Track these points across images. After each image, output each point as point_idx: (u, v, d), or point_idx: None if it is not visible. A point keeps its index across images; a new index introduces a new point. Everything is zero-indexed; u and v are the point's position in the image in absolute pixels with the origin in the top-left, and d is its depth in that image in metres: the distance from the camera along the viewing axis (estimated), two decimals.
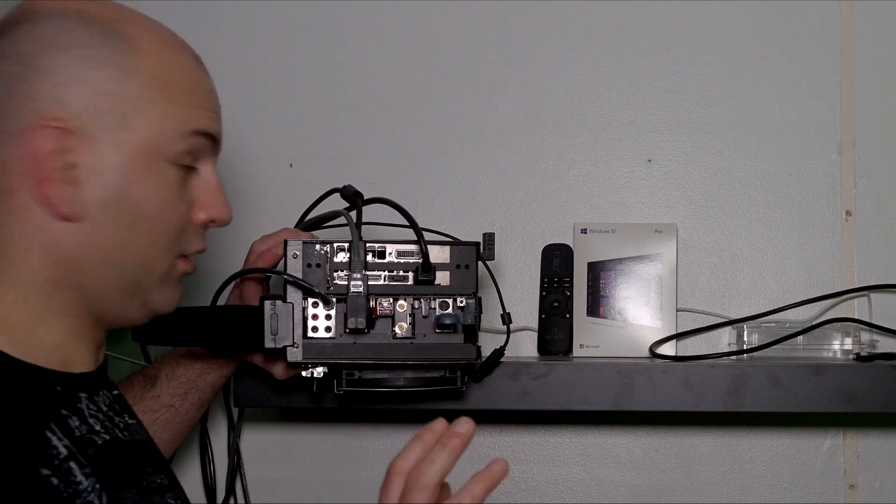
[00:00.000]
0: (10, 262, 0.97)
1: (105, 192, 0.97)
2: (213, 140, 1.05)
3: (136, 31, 1.00)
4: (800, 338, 1.48)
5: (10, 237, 0.97)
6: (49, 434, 0.93)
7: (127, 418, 1.07)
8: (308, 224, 1.36)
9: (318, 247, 1.19)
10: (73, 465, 0.93)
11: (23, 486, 0.89)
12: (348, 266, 1.19)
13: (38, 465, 0.91)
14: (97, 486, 0.93)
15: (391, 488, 0.99)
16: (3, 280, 0.97)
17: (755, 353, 1.46)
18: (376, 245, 1.21)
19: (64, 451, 0.93)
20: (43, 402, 0.95)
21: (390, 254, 1.21)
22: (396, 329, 1.21)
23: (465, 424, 1.01)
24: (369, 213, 1.30)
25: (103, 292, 1.00)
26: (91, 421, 0.98)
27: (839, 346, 1.50)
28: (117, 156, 0.97)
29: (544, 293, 1.55)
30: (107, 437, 0.98)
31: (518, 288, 1.60)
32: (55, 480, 0.91)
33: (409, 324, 1.21)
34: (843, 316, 1.54)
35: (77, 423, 0.97)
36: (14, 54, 0.96)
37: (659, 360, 1.44)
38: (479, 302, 1.24)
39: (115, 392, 1.08)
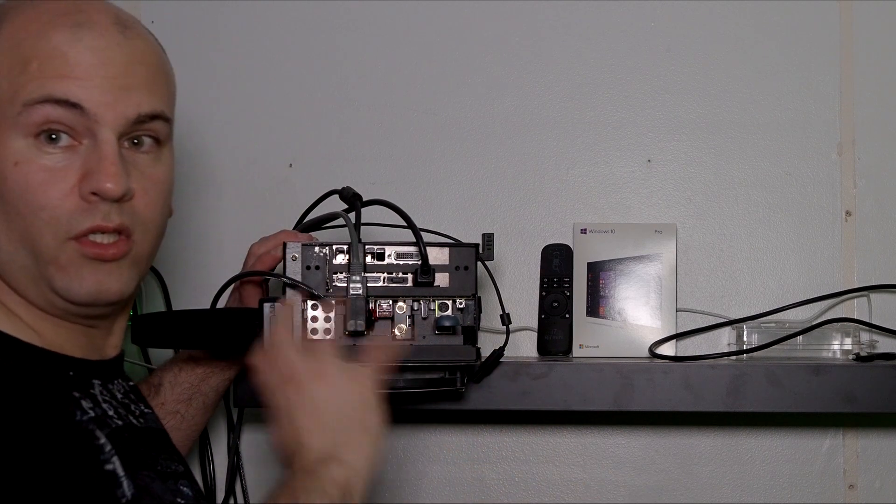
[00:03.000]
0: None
1: None
2: (78, 108, 0.96)
3: (25, 10, 0.98)
4: (799, 338, 1.48)
5: None
6: (73, 408, 0.95)
7: (143, 407, 1.08)
8: (307, 225, 1.36)
9: (316, 249, 1.19)
10: (94, 427, 0.95)
11: (60, 433, 0.91)
12: (347, 268, 1.19)
13: (70, 418, 0.93)
14: (115, 454, 0.94)
15: None
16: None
17: (755, 354, 1.46)
18: (375, 247, 1.20)
19: (90, 413, 0.95)
20: (57, 383, 0.96)
21: (389, 255, 1.21)
22: (396, 331, 1.21)
23: None
24: (368, 214, 1.30)
25: (9, 276, 0.99)
26: (104, 406, 0.99)
27: (839, 346, 1.49)
28: None
29: (544, 293, 1.55)
30: (120, 422, 0.99)
31: (518, 288, 1.59)
32: (84, 434, 0.93)
33: (409, 325, 1.21)
34: (843, 316, 1.54)
35: (90, 405, 0.97)
36: None
37: (658, 361, 1.44)
38: (478, 302, 1.23)
39: (132, 383, 1.09)
